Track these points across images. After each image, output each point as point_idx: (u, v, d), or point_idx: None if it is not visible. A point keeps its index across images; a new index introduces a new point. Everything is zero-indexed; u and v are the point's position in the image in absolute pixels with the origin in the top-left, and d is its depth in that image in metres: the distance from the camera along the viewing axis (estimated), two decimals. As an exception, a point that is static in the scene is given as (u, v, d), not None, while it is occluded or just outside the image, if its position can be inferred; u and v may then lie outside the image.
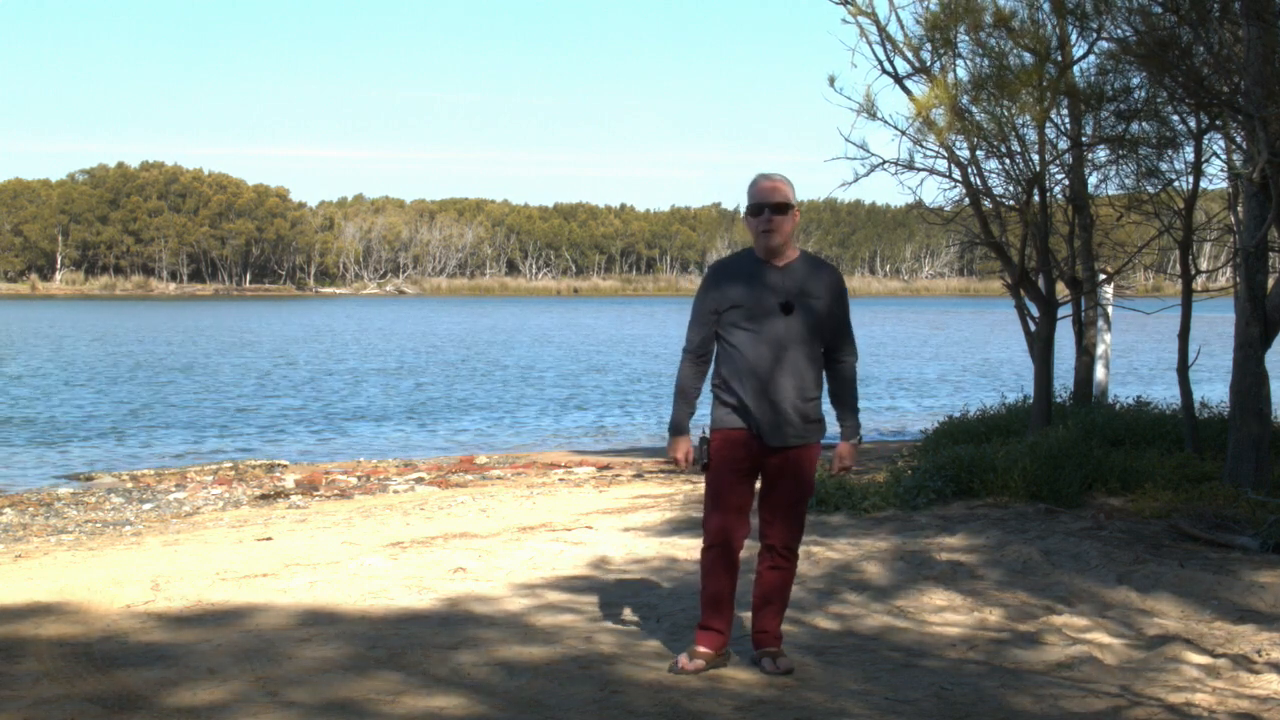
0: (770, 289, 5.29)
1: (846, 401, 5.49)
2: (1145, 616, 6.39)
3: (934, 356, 38.98)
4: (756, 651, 5.52)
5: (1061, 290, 12.39)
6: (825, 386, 5.48)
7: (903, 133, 11.54)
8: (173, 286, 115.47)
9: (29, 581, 7.83)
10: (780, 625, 5.54)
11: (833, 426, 5.54)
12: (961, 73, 11.51)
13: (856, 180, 11.75)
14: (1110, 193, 13.52)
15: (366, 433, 20.41)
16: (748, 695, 5.13)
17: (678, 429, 5.45)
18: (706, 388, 5.47)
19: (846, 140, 11.53)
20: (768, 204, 5.30)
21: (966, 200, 11.80)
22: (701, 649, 5.41)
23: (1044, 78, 10.70)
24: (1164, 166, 11.76)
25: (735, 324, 5.30)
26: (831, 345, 5.40)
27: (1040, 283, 11.76)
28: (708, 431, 5.39)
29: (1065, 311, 12.17)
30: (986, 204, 11.63)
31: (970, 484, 9.27)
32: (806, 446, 5.35)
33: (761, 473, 5.39)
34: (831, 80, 11.37)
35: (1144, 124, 11.39)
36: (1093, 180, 13.01)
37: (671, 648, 5.87)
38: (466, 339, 49.56)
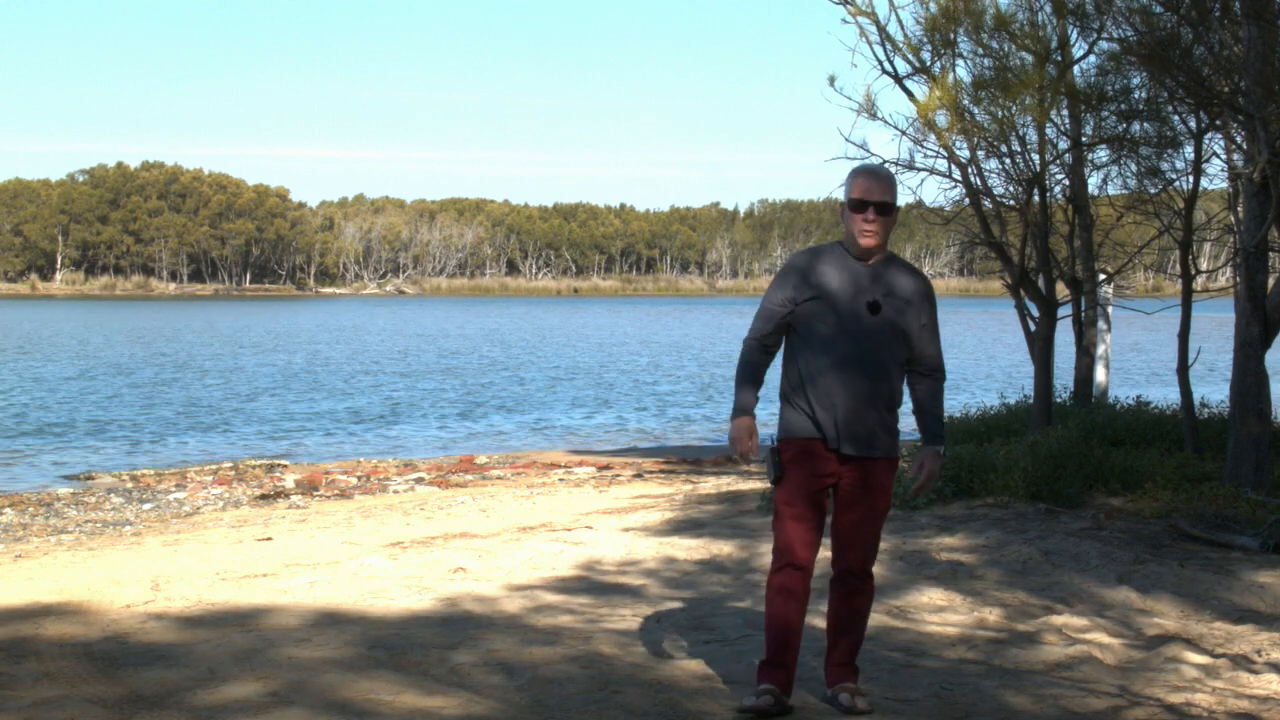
0: (859, 285, 4.83)
1: (931, 411, 4.99)
2: (1145, 616, 6.39)
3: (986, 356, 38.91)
4: (833, 688, 5.01)
5: (1061, 290, 12.38)
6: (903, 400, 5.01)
7: (903, 133, 11.54)
8: (173, 286, 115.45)
9: (29, 581, 7.84)
10: (856, 659, 5.08)
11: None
12: (962, 73, 11.52)
13: (856, 180, 11.72)
14: (1110, 193, 13.52)
15: (369, 433, 20.41)
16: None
17: (741, 410, 4.89)
18: (770, 394, 5.01)
19: (847, 140, 11.51)
20: (873, 202, 4.82)
21: (966, 200, 11.79)
22: (766, 685, 4.89)
23: (1044, 78, 10.70)
24: (1164, 166, 11.76)
25: (815, 318, 4.81)
26: (919, 356, 4.93)
27: (1040, 283, 11.76)
28: (775, 441, 4.91)
29: (1065, 311, 12.17)
30: (986, 204, 11.62)
31: (970, 484, 9.27)
32: (886, 460, 4.89)
33: (835, 489, 4.90)
34: (831, 80, 11.35)
35: (1144, 124, 11.38)
36: (1093, 180, 13.00)
37: (671, 648, 5.86)
38: (490, 339, 49.57)
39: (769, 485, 4.97)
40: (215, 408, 23.57)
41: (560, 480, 14.13)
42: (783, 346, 4.98)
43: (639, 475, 14.18)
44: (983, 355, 39.92)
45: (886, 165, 11.60)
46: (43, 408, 22.90)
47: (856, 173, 4.93)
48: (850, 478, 4.86)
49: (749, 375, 4.93)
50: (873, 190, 4.84)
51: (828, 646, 5.08)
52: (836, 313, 4.81)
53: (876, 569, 7.33)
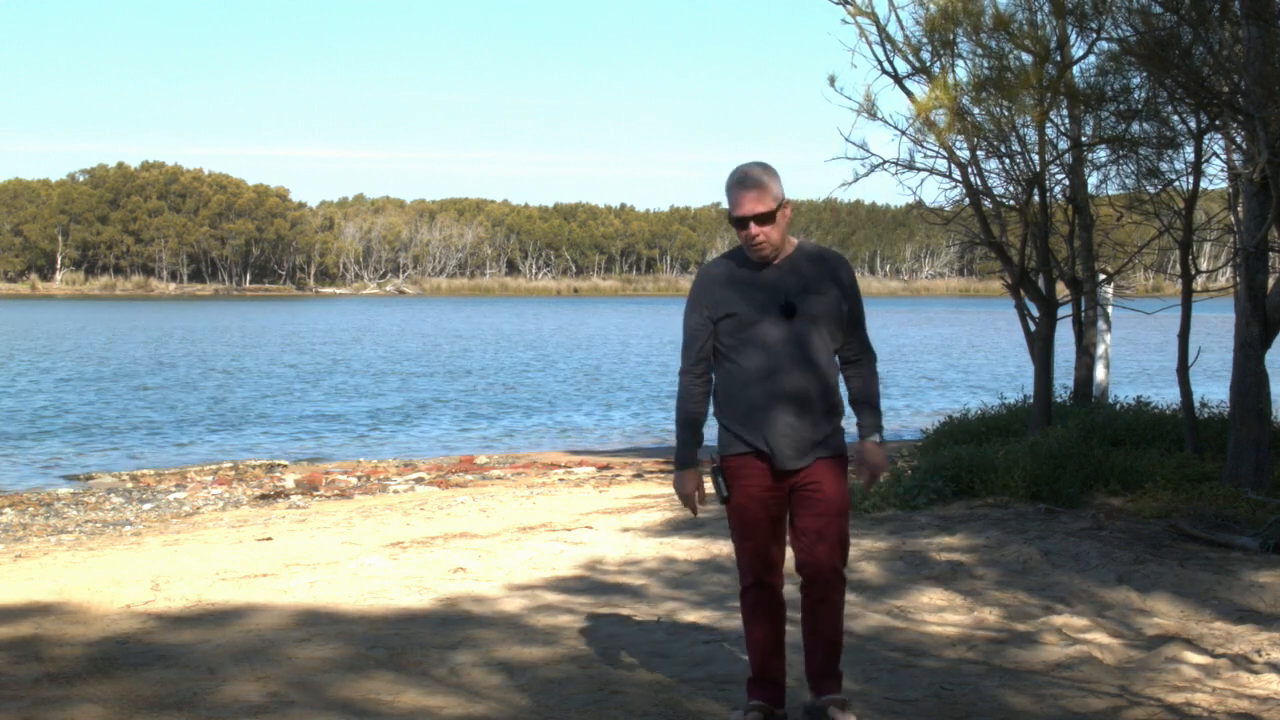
0: (767, 291, 4.63)
1: (866, 399, 4.77)
2: (1145, 616, 6.39)
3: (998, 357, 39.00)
4: (817, 700, 4.78)
5: (1061, 290, 12.39)
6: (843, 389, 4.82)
7: (903, 133, 11.55)
8: (173, 286, 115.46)
9: (29, 581, 7.84)
10: (839, 665, 4.82)
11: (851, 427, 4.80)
12: (961, 73, 11.52)
13: (856, 180, 11.76)
14: (1110, 193, 13.53)
15: (369, 433, 20.41)
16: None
17: (684, 463, 4.79)
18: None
19: (847, 140, 11.53)
20: (749, 217, 4.59)
21: (966, 200, 11.80)
22: (755, 701, 4.76)
23: (1044, 78, 10.70)
24: (1164, 166, 11.76)
25: (731, 334, 4.64)
26: (846, 344, 4.73)
27: (1040, 283, 11.76)
28: (718, 459, 4.73)
29: (1065, 311, 12.17)
30: (986, 204, 11.62)
31: (970, 484, 9.27)
32: (833, 459, 4.68)
33: (789, 495, 4.71)
34: (832, 80, 11.36)
35: (1144, 124, 11.39)
36: (1093, 180, 13.02)
37: (671, 648, 5.87)
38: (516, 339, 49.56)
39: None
40: (218, 409, 23.57)
41: (560, 480, 14.13)
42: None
43: (639, 475, 14.19)
44: (993, 355, 39.92)
45: (886, 166, 11.59)
46: (45, 407, 22.90)
47: (730, 183, 4.66)
48: (800, 485, 4.66)
49: (687, 419, 4.78)
50: (746, 203, 4.59)
51: (805, 656, 4.84)
52: (751, 325, 4.61)
53: (874, 569, 7.37)
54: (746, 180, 4.63)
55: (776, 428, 4.60)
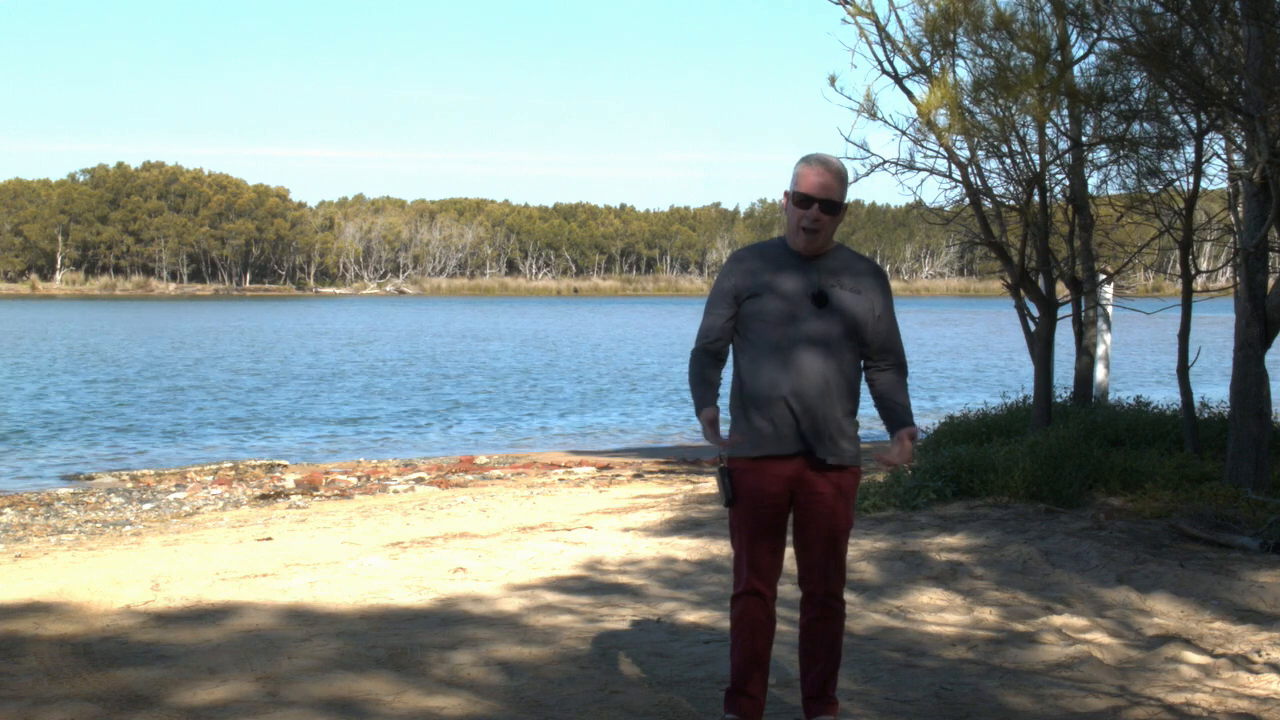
0: (800, 279, 4.48)
1: (897, 400, 4.57)
2: (1145, 616, 6.39)
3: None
4: None
5: (1061, 290, 12.39)
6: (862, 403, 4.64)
7: (903, 133, 11.55)
8: (173, 286, 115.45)
9: (29, 581, 7.84)
10: (835, 688, 4.69)
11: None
12: (962, 73, 11.54)
13: (856, 180, 11.74)
14: (1110, 193, 13.54)
15: (369, 433, 20.41)
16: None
17: (702, 404, 4.54)
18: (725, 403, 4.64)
19: (847, 140, 11.53)
20: (818, 199, 4.45)
21: (967, 200, 11.80)
22: (732, 715, 4.60)
23: (1044, 78, 10.71)
24: (1164, 166, 11.78)
25: (757, 315, 4.48)
26: (876, 348, 4.56)
27: (1040, 283, 11.77)
28: (725, 460, 4.57)
29: (1065, 311, 12.17)
30: (986, 204, 11.63)
31: (970, 484, 9.27)
32: (845, 470, 4.51)
33: (793, 503, 4.55)
34: (832, 80, 11.37)
35: (1144, 124, 11.39)
36: (1093, 180, 13.02)
37: (671, 648, 5.87)
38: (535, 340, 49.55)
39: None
40: (219, 409, 23.58)
41: (560, 480, 14.13)
42: (730, 361, 4.64)
43: (639, 475, 14.18)
44: (997, 356, 39.90)
45: (886, 166, 11.60)
46: (45, 409, 22.90)
47: (806, 161, 4.52)
48: (808, 490, 4.51)
49: (701, 378, 4.59)
50: (821, 185, 4.46)
51: (800, 675, 4.70)
52: (780, 310, 4.47)
53: (874, 569, 7.37)
54: (826, 164, 4.51)
55: (799, 415, 4.43)
